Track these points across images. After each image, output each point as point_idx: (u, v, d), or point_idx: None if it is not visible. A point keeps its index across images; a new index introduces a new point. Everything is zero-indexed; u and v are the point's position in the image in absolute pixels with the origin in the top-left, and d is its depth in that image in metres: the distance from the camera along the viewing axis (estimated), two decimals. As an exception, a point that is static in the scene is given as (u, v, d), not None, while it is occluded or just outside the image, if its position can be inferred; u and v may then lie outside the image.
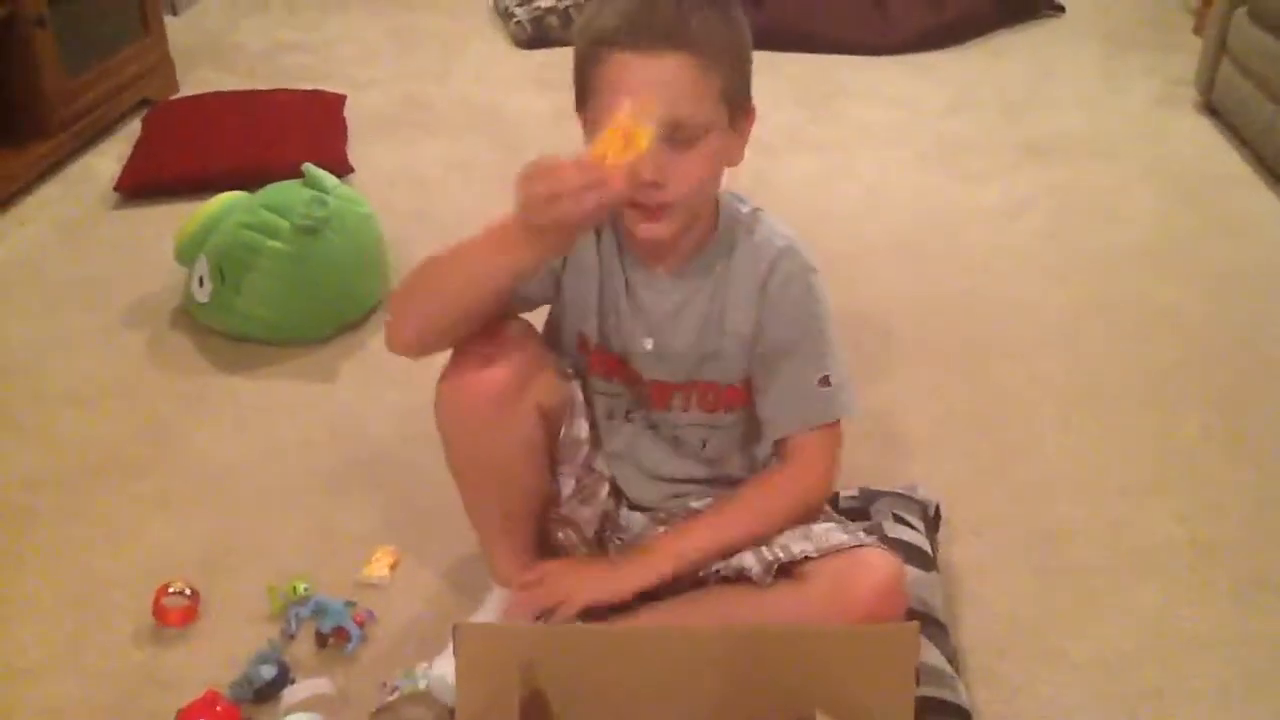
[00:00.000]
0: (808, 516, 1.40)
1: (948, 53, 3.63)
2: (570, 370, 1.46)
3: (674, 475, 1.51)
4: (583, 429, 1.46)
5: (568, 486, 1.47)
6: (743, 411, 1.46)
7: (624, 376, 1.46)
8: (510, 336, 1.38)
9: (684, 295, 1.41)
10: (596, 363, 1.46)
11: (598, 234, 1.42)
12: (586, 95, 1.31)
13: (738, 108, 1.32)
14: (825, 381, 1.40)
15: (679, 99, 1.25)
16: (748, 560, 1.36)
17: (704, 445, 1.48)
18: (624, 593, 1.37)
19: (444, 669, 1.38)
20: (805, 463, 1.41)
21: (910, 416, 2.01)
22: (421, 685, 1.43)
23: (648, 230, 1.34)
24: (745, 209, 1.43)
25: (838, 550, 1.34)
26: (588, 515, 1.49)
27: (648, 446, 1.50)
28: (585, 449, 1.47)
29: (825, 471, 1.42)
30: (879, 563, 1.33)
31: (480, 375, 1.35)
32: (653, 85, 1.25)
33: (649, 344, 1.43)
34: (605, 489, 1.49)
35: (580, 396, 1.46)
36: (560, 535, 1.50)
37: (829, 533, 1.37)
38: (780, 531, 1.38)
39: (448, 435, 1.42)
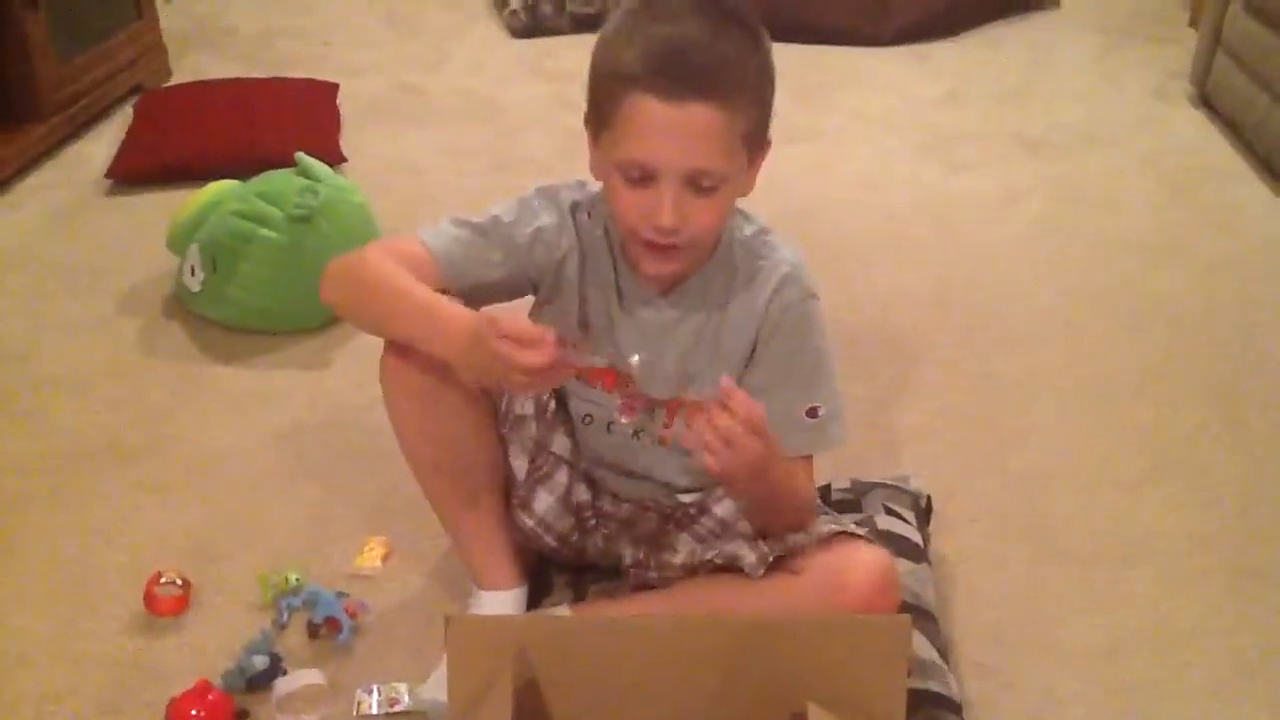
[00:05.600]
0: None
1: (943, 43, 3.63)
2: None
3: (659, 479, 1.49)
4: (526, 404, 1.43)
5: (520, 469, 1.45)
6: None
7: (608, 384, 1.42)
8: None
9: (679, 314, 1.40)
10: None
11: (581, 248, 1.40)
12: (602, 120, 1.29)
13: (757, 145, 1.30)
14: (814, 413, 1.38)
15: (703, 151, 1.23)
16: (742, 549, 1.36)
17: (689, 453, 1.45)
18: None
19: (436, 692, 1.35)
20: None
21: (905, 407, 2.01)
22: (406, 702, 1.42)
23: (656, 268, 1.34)
24: (750, 229, 1.41)
25: (830, 542, 1.34)
26: (549, 501, 1.46)
27: (633, 454, 1.47)
28: (531, 425, 1.44)
29: (810, 498, 1.40)
30: (871, 558, 1.32)
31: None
32: (675, 135, 1.22)
33: (636, 359, 1.41)
34: (564, 472, 1.46)
35: None
36: (521, 524, 1.47)
37: (824, 525, 1.37)
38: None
39: (396, 408, 1.40)
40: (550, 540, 1.48)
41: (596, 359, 1.32)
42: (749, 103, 1.25)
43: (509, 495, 1.47)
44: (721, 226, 1.34)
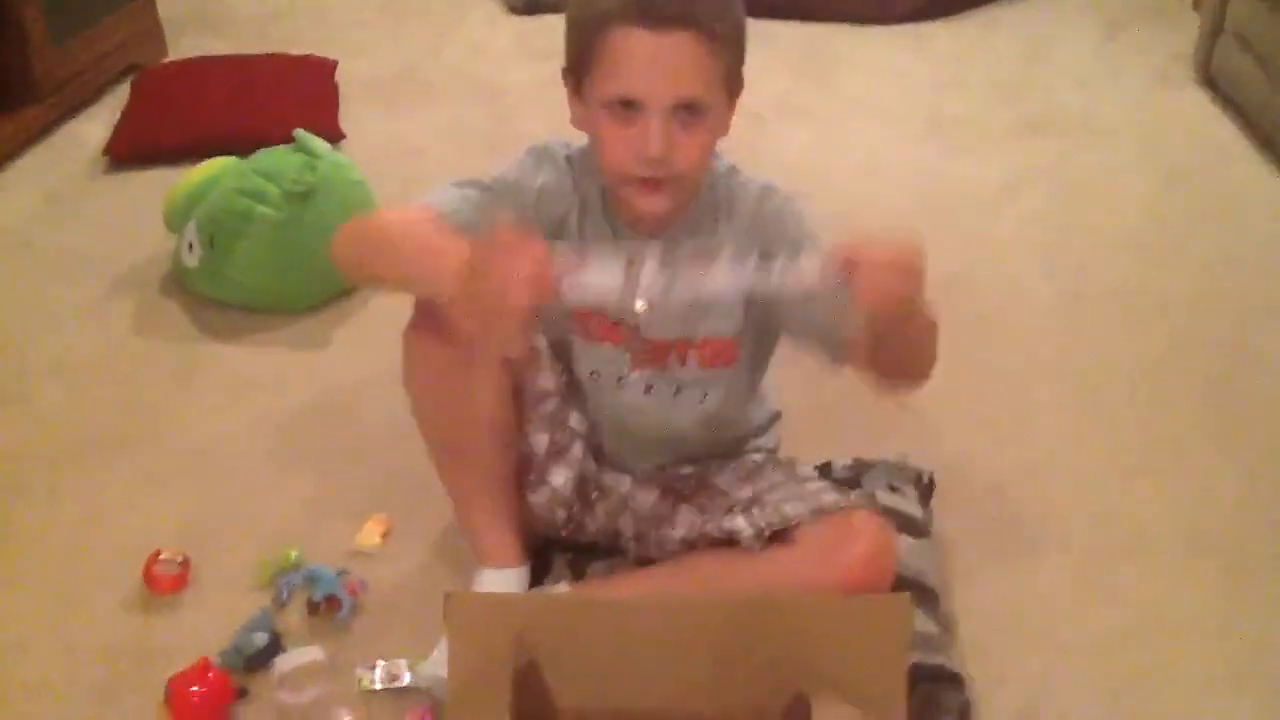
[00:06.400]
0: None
1: (944, 24, 3.60)
2: (540, 322, 1.43)
3: (669, 437, 1.50)
4: (549, 379, 1.45)
5: (540, 444, 1.46)
6: (741, 365, 1.46)
7: (615, 338, 1.44)
8: None
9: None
10: (579, 323, 1.45)
11: (581, 201, 1.41)
12: (585, 64, 1.30)
13: (734, 84, 1.33)
14: None
15: (688, 79, 1.26)
16: (739, 523, 1.36)
17: (704, 398, 1.47)
18: None
19: (438, 668, 1.35)
20: None
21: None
22: (408, 678, 1.42)
23: (649, 204, 1.34)
24: (721, 166, 1.43)
25: (828, 513, 1.34)
26: (564, 476, 1.48)
27: (641, 408, 1.47)
28: (554, 401, 1.45)
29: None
30: (868, 527, 1.34)
31: (447, 322, 1.31)
32: (660, 63, 1.24)
33: (641, 305, 1.41)
34: (579, 446, 1.48)
35: (545, 346, 1.45)
36: (535, 499, 1.48)
37: (820, 494, 1.38)
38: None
39: (418, 386, 1.41)
40: (562, 514, 1.49)
41: (589, 281, 1.22)
42: (728, 35, 1.28)
43: (520, 474, 1.48)
44: (705, 162, 1.36)
